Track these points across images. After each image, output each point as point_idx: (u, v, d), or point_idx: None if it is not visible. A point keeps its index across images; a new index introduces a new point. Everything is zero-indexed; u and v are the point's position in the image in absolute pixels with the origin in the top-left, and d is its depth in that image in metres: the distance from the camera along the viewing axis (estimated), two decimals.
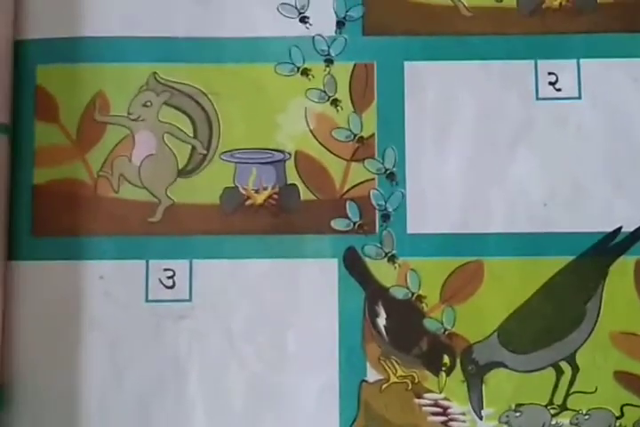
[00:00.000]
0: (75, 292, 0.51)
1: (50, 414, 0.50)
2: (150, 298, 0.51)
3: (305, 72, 0.52)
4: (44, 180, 0.52)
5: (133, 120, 0.52)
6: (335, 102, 0.52)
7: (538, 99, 0.52)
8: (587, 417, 0.50)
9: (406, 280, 0.51)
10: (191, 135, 0.52)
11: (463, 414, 0.50)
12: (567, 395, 0.51)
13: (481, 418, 0.50)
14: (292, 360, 0.51)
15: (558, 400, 0.51)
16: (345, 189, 0.52)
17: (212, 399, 0.50)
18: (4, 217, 0.50)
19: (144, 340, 0.51)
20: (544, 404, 0.51)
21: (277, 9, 0.53)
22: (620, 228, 0.51)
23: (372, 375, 0.51)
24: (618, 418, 0.50)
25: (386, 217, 0.51)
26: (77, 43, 0.52)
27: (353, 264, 0.51)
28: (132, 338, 0.51)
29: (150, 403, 0.50)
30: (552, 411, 0.51)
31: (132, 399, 0.50)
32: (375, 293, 0.51)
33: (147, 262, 0.51)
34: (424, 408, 0.51)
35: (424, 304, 0.51)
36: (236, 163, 0.52)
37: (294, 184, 0.52)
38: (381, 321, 0.51)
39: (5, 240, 0.50)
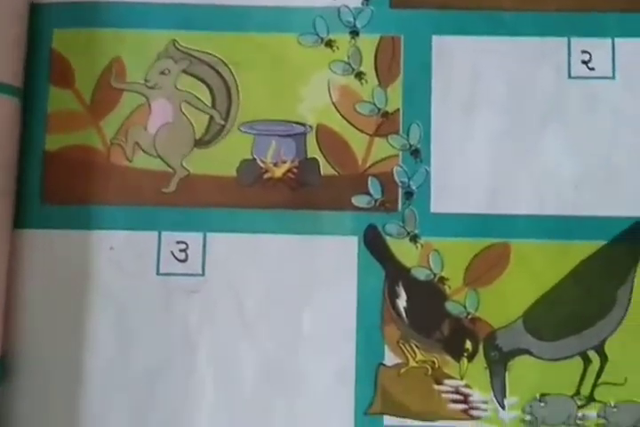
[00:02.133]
0: (84, 262, 0.49)
1: (53, 387, 0.48)
2: (161, 271, 0.49)
3: (329, 44, 0.51)
4: (56, 146, 0.50)
5: (150, 88, 0.50)
6: (360, 75, 0.51)
7: (570, 77, 0.50)
8: (615, 410, 0.48)
9: (428, 261, 0.49)
10: (209, 105, 0.50)
11: (485, 402, 0.48)
12: (595, 386, 0.48)
13: (503, 407, 0.48)
14: (307, 341, 0.48)
15: (585, 391, 0.48)
16: (367, 165, 0.50)
17: (222, 378, 0.48)
18: (13, 184, 0.49)
19: (153, 313, 0.49)
20: (570, 394, 0.48)
21: None
22: None
23: (390, 359, 0.48)
24: None
25: (409, 195, 0.49)
26: (96, 7, 0.51)
27: (373, 243, 0.49)
28: (141, 311, 0.49)
29: (157, 378, 0.48)
30: (579, 402, 0.48)
31: (138, 374, 0.48)
32: (396, 273, 0.49)
33: (159, 234, 0.49)
34: (444, 395, 0.48)
35: (447, 286, 0.49)
36: (254, 134, 0.50)
37: (315, 158, 0.50)
38: (401, 303, 0.49)
39: (14, 208, 0.48)
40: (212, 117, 0.50)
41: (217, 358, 0.48)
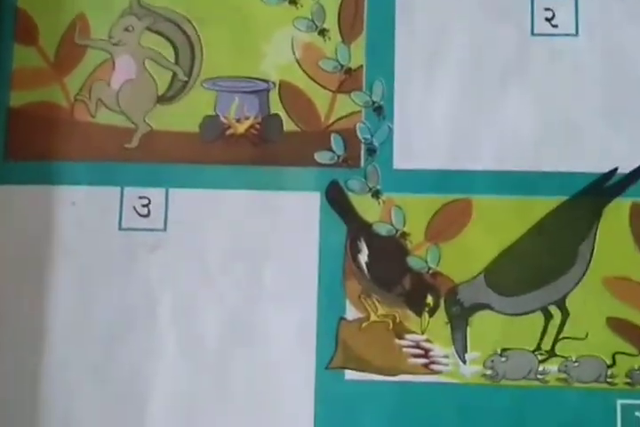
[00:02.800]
0: (46, 217, 0.49)
1: (14, 342, 0.48)
2: (124, 226, 0.49)
3: (293, 1, 0.51)
4: (20, 102, 0.50)
5: (114, 44, 0.50)
6: (323, 32, 0.51)
7: (533, 34, 0.50)
8: (576, 364, 0.48)
9: (390, 217, 0.49)
10: (172, 61, 0.50)
11: (446, 357, 0.48)
12: (556, 341, 0.48)
13: (464, 362, 0.48)
14: (269, 295, 0.49)
15: (546, 346, 0.48)
16: (330, 122, 0.50)
17: (185, 332, 0.48)
18: None
19: (116, 268, 0.49)
20: (531, 349, 0.48)
21: None
22: (615, 168, 0.49)
23: (352, 313, 0.48)
24: (609, 367, 0.48)
25: (371, 151, 0.50)
26: None
27: (336, 198, 0.49)
28: (104, 266, 0.49)
29: (119, 333, 0.48)
30: (539, 357, 0.48)
31: (100, 329, 0.48)
32: (357, 228, 0.49)
33: (121, 189, 0.49)
34: (405, 350, 0.48)
35: (408, 242, 0.49)
36: (217, 91, 0.50)
37: (277, 114, 0.50)
38: (363, 258, 0.49)
39: None
40: (175, 74, 0.50)
41: (179, 311, 0.48)
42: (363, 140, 0.50)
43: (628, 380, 0.48)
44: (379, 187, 0.49)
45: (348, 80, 0.50)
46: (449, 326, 0.48)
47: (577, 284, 0.48)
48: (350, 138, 0.50)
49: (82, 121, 0.50)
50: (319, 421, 0.47)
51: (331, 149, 0.50)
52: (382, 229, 0.49)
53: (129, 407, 0.48)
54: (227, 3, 0.51)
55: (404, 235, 0.49)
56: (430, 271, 0.49)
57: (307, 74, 0.50)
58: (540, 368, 0.48)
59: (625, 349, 0.48)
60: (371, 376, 0.48)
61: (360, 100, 0.50)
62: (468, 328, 0.48)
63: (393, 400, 0.48)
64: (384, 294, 0.49)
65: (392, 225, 0.49)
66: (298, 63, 0.50)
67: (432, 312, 0.48)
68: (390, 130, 0.50)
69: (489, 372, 0.48)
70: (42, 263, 0.49)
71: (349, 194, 0.49)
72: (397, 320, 0.48)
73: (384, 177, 0.49)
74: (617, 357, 0.48)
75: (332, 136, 0.50)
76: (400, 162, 0.49)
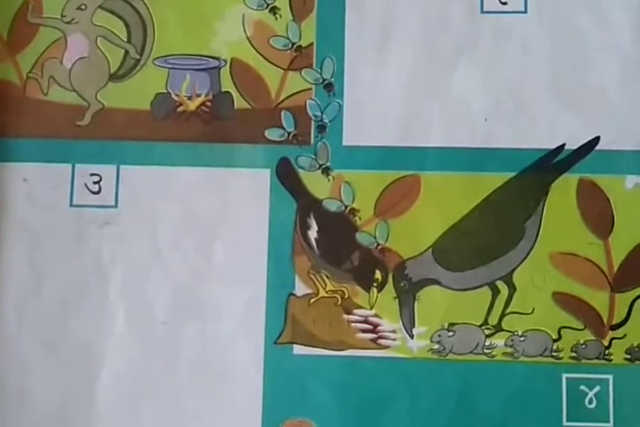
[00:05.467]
0: None
1: None
2: (75, 203, 0.50)
3: None
4: None
5: (67, 23, 0.51)
6: (274, 10, 0.51)
7: (483, 12, 0.51)
8: (522, 339, 0.48)
9: (340, 193, 0.50)
10: (125, 40, 0.51)
11: (394, 331, 0.49)
12: (503, 315, 0.49)
13: (412, 336, 0.49)
14: (219, 271, 0.49)
15: (493, 321, 0.49)
16: (280, 99, 0.50)
17: (134, 307, 0.49)
18: None
19: (67, 244, 0.49)
20: (478, 324, 0.49)
21: None
22: (563, 145, 0.49)
23: (301, 289, 0.49)
24: (555, 341, 0.48)
25: (321, 128, 0.50)
26: None
27: (286, 175, 0.50)
28: (55, 242, 0.49)
29: (70, 308, 0.49)
30: (486, 331, 0.49)
31: (51, 304, 0.49)
32: (307, 204, 0.50)
33: (73, 166, 0.50)
34: (353, 324, 0.49)
35: (357, 218, 0.49)
36: (169, 68, 0.51)
37: (228, 92, 0.50)
38: (312, 234, 0.49)
39: None
40: (127, 52, 0.51)
41: (129, 287, 0.49)
42: (313, 118, 0.50)
43: (574, 354, 0.48)
44: (328, 164, 0.50)
45: (299, 58, 0.51)
46: (397, 301, 0.49)
47: (524, 259, 0.49)
48: (300, 115, 0.50)
49: (34, 98, 0.50)
50: (268, 395, 0.48)
51: (281, 127, 0.50)
52: (332, 206, 0.50)
53: (80, 380, 0.48)
54: None
55: (354, 211, 0.49)
56: (379, 247, 0.49)
57: (257, 51, 0.51)
58: (487, 343, 0.48)
59: (570, 323, 0.48)
60: (319, 351, 0.49)
61: (310, 78, 0.50)
62: (416, 303, 0.49)
63: (341, 375, 0.48)
64: (333, 270, 0.49)
65: (341, 201, 0.49)
66: (249, 41, 0.51)
67: (380, 288, 0.49)
68: (340, 107, 0.50)
69: (436, 346, 0.48)
70: None
71: (299, 171, 0.50)
72: (346, 296, 0.49)
73: (334, 154, 0.50)
74: (562, 331, 0.48)
75: (283, 113, 0.50)
76: (350, 139, 0.50)
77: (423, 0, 0.51)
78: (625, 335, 0.48)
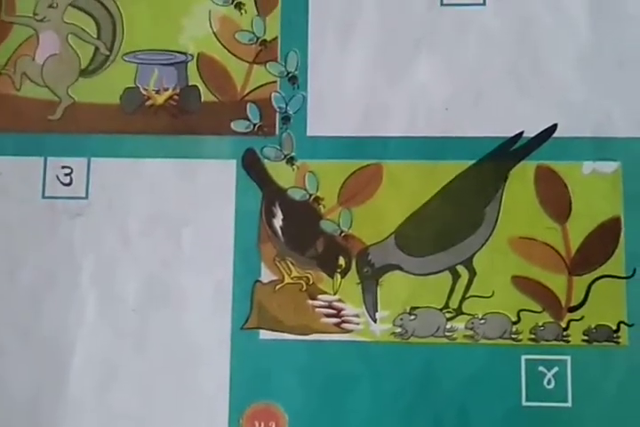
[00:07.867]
0: None
1: None
2: (47, 194, 0.51)
3: None
4: None
5: (39, 21, 0.52)
6: (239, 5, 0.52)
7: (442, 4, 0.52)
8: (482, 322, 0.50)
9: (304, 182, 0.51)
10: (95, 36, 0.52)
11: (357, 316, 0.50)
12: (463, 299, 0.50)
13: (375, 321, 0.50)
14: (187, 259, 0.50)
15: (454, 304, 0.50)
16: (246, 92, 0.52)
17: (105, 296, 0.50)
18: None
19: (39, 235, 0.51)
20: (439, 307, 0.50)
21: None
22: (521, 132, 0.51)
23: (267, 276, 0.50)
24: (514, 323, 0.49)
25: (286, 119, 0.51)
26: None
27: (251, 165, 0.51)
28: (27, 233, 0.51)
29: (42, 297, 0.50)
30: (447, 315, 0.50)
31: (23, 294, 0.50)
32: (273, 194, 0.51)
33: (45, 159, 0.51)
34: (317, 309, 0.50)
35: (321, 206, 0.51)
36: (137, 64, 0.52)
37: (195, 86, 0.52)
38: (278, 222, 0.51)
39: None
40: (97, 48, 0.52)
41: (100, 276, 0.50)
42: (277, 109, 0.52)
43: (532, 336, 0.49)
44: (293, 154, 0.51)
45: (264, 51, 0.52)
46: (360, 286, 0.50)
47: (483, 244, 0.50)
48: (266, 107, 0.52)
49: (7, 94, 0.52)
50: (235, 379, 0.49)
51: (247, 118, 0.51)
52: (296, 195, 0.51)
53: (53, 365, 0.50)
54: None
55: (318, 199, 0.51)
56: (342, 234, 0.50)
57: (224, 46, 0.52)
58: (448, 326, 0.50)
59: (529, 306, 0.49)
60: (284, 336, 0.50)
61: (275, 71, 0.52)
62: (379, 288, 0.50)
63: (305, 359, 0.49)
64: (298, 257, 0.50)
65: (306, 190, 0.51)
66: (215, 36, 0.52)
67: (344, 273, 0.50)
68: (304, 99, 0.51)
69: (398, 330, 0.50)
70: None
71: (265, 161, 0.51)
72: (310, 282, 0.50)
73: (298, 144, 0.51)
74: (521, 314, 0.49)
75: (248, 105, 0.52)
76: (313, 129, 0.51)
77: None
78: (582, 317, 0.49)
